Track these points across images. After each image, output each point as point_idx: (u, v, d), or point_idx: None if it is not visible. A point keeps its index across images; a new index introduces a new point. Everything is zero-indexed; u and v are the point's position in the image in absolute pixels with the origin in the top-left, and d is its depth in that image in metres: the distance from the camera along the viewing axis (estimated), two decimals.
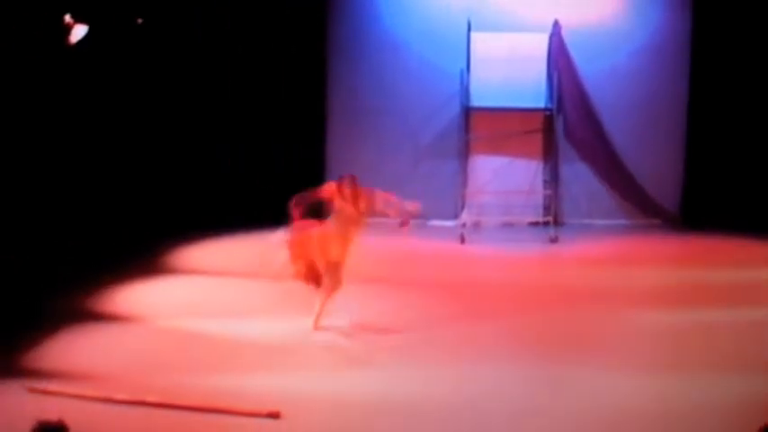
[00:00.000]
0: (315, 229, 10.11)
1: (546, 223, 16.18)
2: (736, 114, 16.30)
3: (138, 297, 11.35)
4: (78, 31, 12.37)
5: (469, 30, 15.94)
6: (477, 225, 16.31)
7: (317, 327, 10.05)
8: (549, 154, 16.76)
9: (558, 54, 16.33)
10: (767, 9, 15.74)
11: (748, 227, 15.20)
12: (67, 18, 12.23)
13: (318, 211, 10.67)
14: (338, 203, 10.12)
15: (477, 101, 16.11)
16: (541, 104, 16.40)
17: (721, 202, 16.22)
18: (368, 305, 10.82)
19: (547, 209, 16.57)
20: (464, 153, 16.42)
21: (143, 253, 13.25)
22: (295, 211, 10.02)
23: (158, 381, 8.45)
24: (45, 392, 7.98)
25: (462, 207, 16.19)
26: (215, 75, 16.06)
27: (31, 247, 11.82)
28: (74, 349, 9.35)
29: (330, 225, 10.11)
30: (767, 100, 16.07)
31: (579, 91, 16.52)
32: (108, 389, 8.05)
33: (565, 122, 16.64)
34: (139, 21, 14.33)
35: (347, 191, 10.13)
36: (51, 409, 6.16)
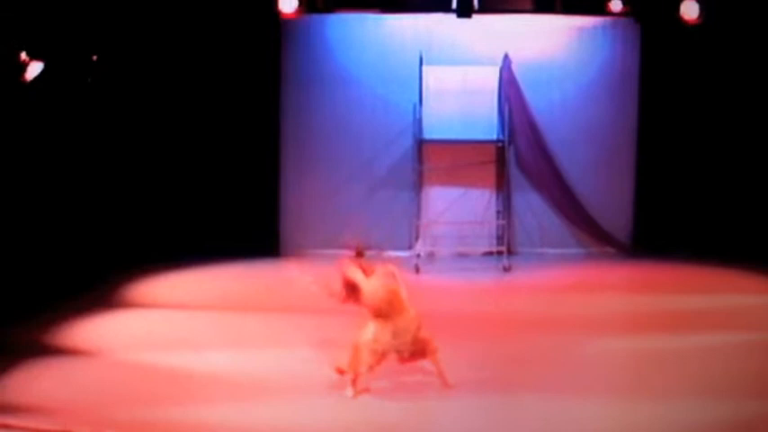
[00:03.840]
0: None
1: (499, 253, 16.32)
2: (684, 145, 16.57)
3: (97, 330, 11.33)
4: (34, 69, 12.42)
5: (421, 63, 16.10)
6: (431, 255, 16.46)
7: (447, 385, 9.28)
8: (502, 184, 16.90)
9: (509, 87, 16.52)
10: (712, 42, 16.07)
11: (698, 255, 15.44)
12: (23, 55, 12.28)
13: None
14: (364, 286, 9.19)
15: (429, 133, 16.24)
16: (493, 136, 16.52)
17: (671, 230, 16.48)
18: (325, 338, 10.84)
19: (500, 238, 16.70)
20: (418, 184, 16.57)
21: (101, 286, 13.23)
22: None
23: (118, 414, 8.45)
24: (4, 427, 7.98)
25: (417, 237, 16.36)
26: (168, 107, 16.06)
27: None
28: (33, 383, 9.32)
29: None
30: (714, 130, 16.38)
31: (530, 122, 16.71)
32: (67, 422, 8.04)
33: (516, 153, 16.83)
34: (94, 57, 14.40)
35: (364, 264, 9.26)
36: None
